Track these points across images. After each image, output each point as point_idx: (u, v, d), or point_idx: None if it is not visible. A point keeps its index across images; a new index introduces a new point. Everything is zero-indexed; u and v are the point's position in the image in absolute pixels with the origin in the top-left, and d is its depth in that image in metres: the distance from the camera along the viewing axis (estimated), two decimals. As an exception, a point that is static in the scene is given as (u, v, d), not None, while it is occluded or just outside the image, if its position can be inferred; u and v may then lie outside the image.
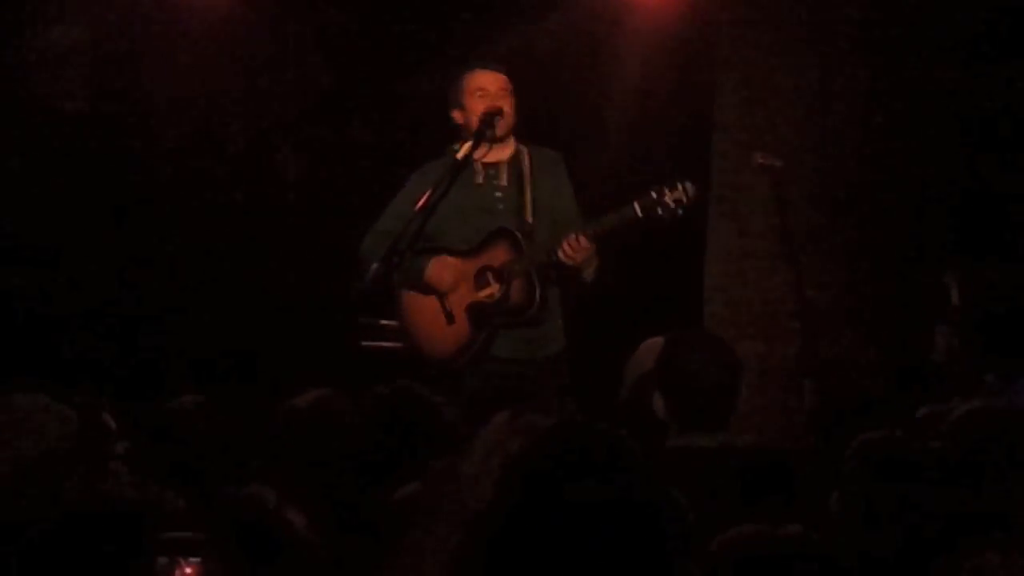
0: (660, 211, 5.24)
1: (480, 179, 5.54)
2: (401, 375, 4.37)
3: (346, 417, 3.79)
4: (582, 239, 5.27)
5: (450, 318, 5.46)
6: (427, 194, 5.32)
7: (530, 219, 5.48)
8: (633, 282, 6.93)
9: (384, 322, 5.46)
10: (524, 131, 5.64)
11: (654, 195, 5.25)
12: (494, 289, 5.44)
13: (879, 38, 7.06)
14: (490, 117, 5.45)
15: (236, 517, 3.02)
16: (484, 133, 5.45)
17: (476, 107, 5.48)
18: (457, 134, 5.56)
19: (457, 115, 5.56)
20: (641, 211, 5.24)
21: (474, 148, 5.45)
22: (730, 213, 7.17)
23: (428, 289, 5.47)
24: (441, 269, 5.46)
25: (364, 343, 5.39)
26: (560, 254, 5.30)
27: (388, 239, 5.40)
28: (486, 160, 5.55)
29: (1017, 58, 6.85)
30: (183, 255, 7.17)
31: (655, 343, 4.07)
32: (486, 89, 5.49)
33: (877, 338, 6.99)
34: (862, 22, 7.06)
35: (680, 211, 5.26)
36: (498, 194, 5.54)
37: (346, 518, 3.31)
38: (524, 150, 5.60)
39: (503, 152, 5.58)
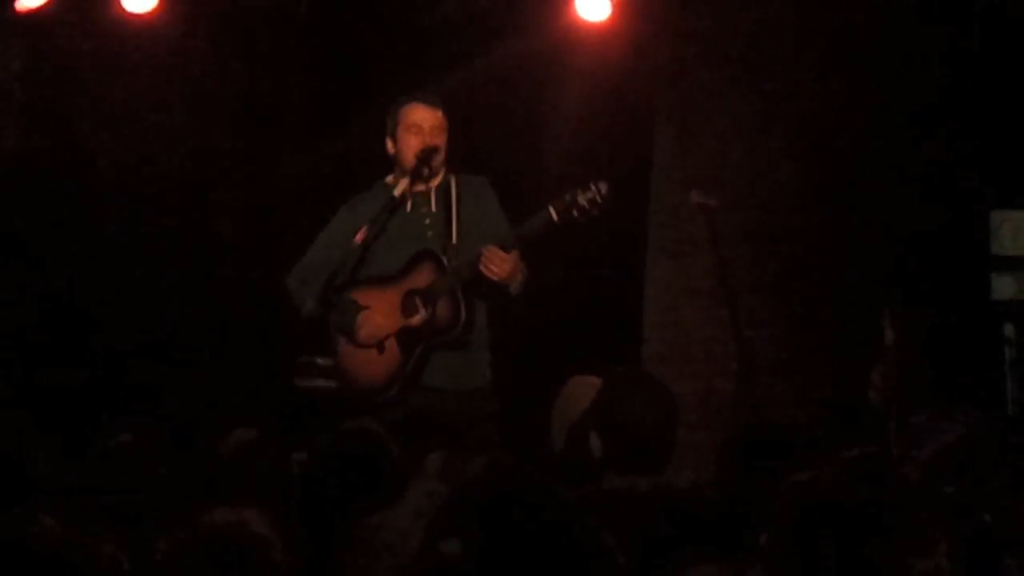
0: (576, 213, 5.28)
1: (408, 208, 5.55)
2: (327, 412, 4.37)
3: (277, 456, 3.76)
4: (500, 253, 5.30)
5: (380, 347, 5.46)
6: (364, 229, 5.33)
7: (455, 240, 5.49)
8: (570, 319, 6.95)
9: (320, 360, 5.45)
10: (457, 163, 5.67)
11: (567, 198, 5.29)
12: (422, 314, 5.44)
13: (817, 78, 7.12)
14: (427, 155, 5.49)
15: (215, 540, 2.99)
16: (421, 172, 5.48)
17: (410, 143, 5.52)
18: (390, 166, 5.58)
19: (390, 146, 5.60)
20: (557, 215, 5.27)
21: (411, 186, 5.47)
22: (668, 251, 7.19)
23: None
24: (372, 327, 5.45)
25: (299, 383, 5.37)
26: (482, 267, 5.30)
27: (316, 272, 5.42)
28: (414, 189, 5.57)
29: (954, 103, 6.93)
30: (116, 290, 7.11)
31: (585, 381, 4.07)
32: (420, 126, 5.53)
33: (813, 377, 7.02)
34: (803, 63, 7.11)
35: (595, 211, 5.29)
36: (427, 221, 5.58)
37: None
38: (452, 178, 5.65)
39: (432, 181, 5.61)
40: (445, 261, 5.45)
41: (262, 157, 7.41)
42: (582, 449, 3.77)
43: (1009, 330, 6.91)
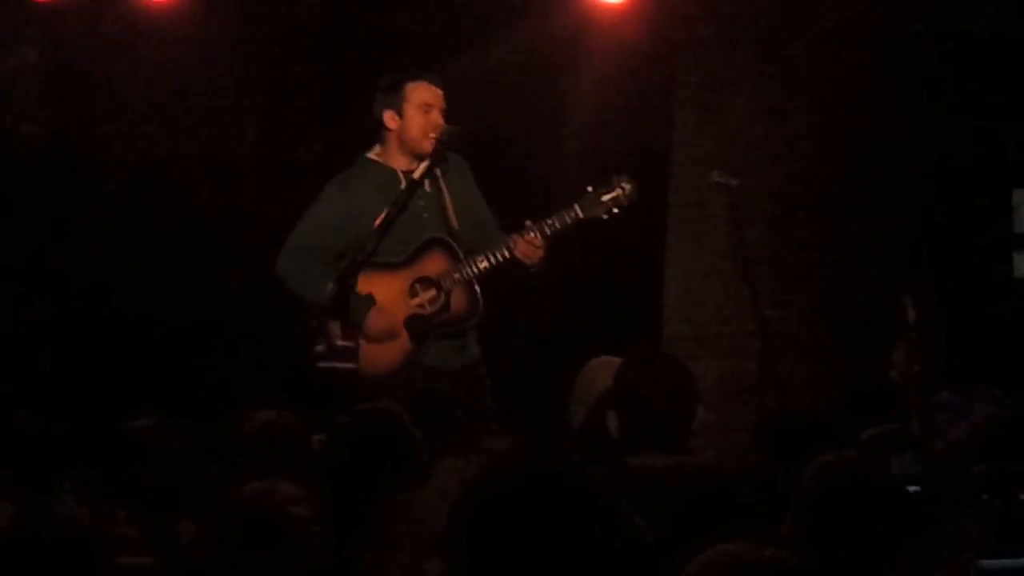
0: (600, 210, 5.39)
1: (403, 187, 5.51)
2: (346, 392, 4.38)
3: (298, 437, 3.77)
4: (538, 237, 5.36)
5: (391, 335, 5.45)
6: (384, 213, 5.33)
7: (456, 225, 5.49)
8: (591, 301, 6.94)
9: (342, 343, 5.44)
10: (477, 147, 5.67)
11: (592, 195, 5.38)
12: (424, 298, 5.43)
13: (837, 57, 7.10)
14: (448, 138, 5.46)
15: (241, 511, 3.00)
16: (442, 155, 5.46)
17: (420, 121, 5.47)
18: (377, 138, 5.54)
19: (390, 119, 5.52)
20: (582, 212, 5.37)
21: (431, 168, 5.46)
22: (689, 232, 7.18)
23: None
24: (382, 324, 5.44)
25: (317, 364, 5.37)
26: (518, 252, 5.36)
27: (312, 255, 5.41)
28: (405, 169, 5.54)
29: (975, 81, 6.90)
30: (139, 276, 7.13)
31: (607, 362, 4.07)
32: (432, 105, 5.49)
33: (834, 356, 7.01)
34: (821, 40, 7.08)
35: (619, 208, 5.41)
36: (421, 202, 5.53)
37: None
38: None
39: (422, 160, 5.57)
40: (457, 249, 5.44)
41: (283, 143, 7.42)
42: (600, 428, 3.77)
43: (1032, 308, 6.89)
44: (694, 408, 3.70)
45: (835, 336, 7.04)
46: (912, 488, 3.66)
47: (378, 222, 5.32)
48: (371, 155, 5.57)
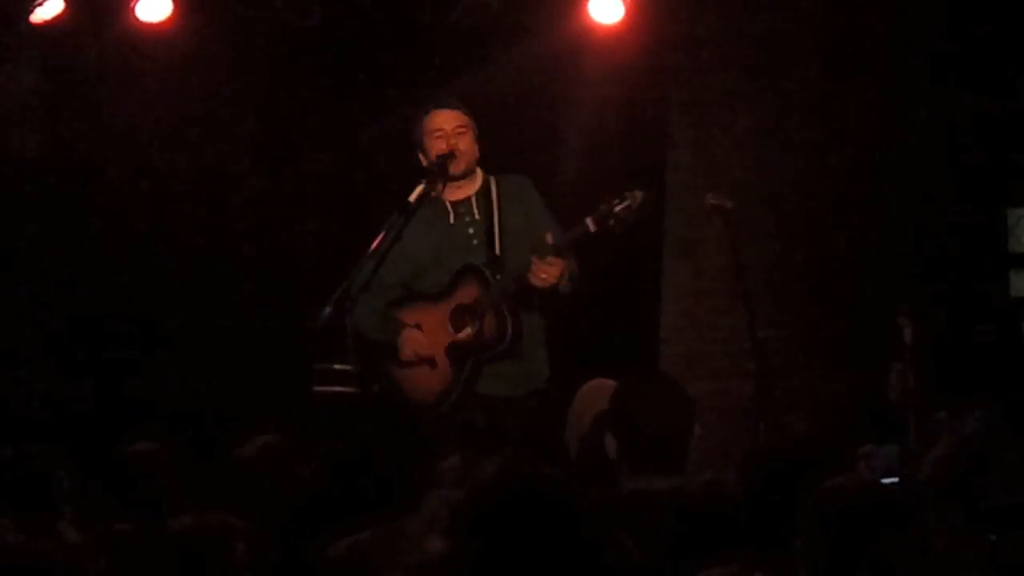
0: (612, 223, 5.29)
1: (452, 219, 5.54)
2: (345, 418, 4.37)
3: (294, 463, 3.77)
4: (548, 260, 5.30)
5: (432, 363, 5.47)
6: (380, 237, 5.33)
7: (497, 251, 5.49)
8: (588, 322, 6.94)
9: (338, 366, 5.45)
10: (489, 162, 5.66)
11: (603, 208, 5.30)
12: (468, 330, 5.45)
13: (834, 78, 7.11)
14: (442, 160, 5.47)
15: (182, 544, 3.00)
16: (438, 179, 5.47)
17: (434, 148, 5.50)
18: (423, 175, 5.56)
19: (421, 158, 5.59)
20: (594, 225, 5.29)
21: (425, 192, 5.46)
22: (685, 253, 7.19)
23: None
24: (414, 345, 5.46)
25: (317, 388, 5.36)
26: (532, 280, 5.31)
27: (376, 295, 5.43)
28: (454, 199, 5.56)
29: (971, 100, 6.92)
30: (133, 298, 7.13)
31: (602, 385, 4.07)
32: (443, 129, 5.51)
33: (831, 377, 7.02)
34: (817, 64, 7.11)
35: (631, 219, 5.31)
36: (471, 230, 5.55)
37: (289, 565, 3.28)
38: (492, 180, 5.62)
39: (470, 187, 5.59)
40: (488, 275, 5.44)
41: (278, 164, 7.43)
42: (598, 451, 3.77)
43: (1028, 327, 6.89)
44: (692, 431, 3.70)
45: (831, 357, 7.05)
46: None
47: (373, 247, 5.32)
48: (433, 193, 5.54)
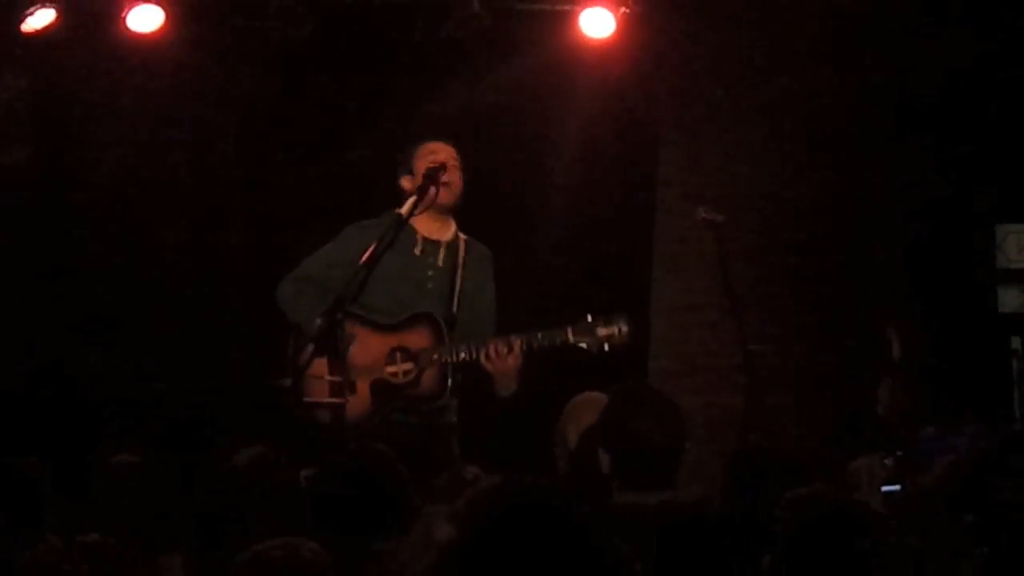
0: (588, 343, 5.24)
1: (418, 251, 5.55)
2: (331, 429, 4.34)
3: (285, 474, 3.76)
4: (514, 347, 5.25)
5: (352, 388, 5.40)
6: (372, 248, 5.31)
7: (455, 310, 5.49)
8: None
9: (328, 377, 5.43)
10: (482, 176, 5.65)
11: (587, 325, 5.26)
12: (399, 369, 5.42)
13: (823, 94, 7.13)
14: (433, 172, 5.47)
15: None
16: (427, 188, 5.45)
17: (427, 163, 5.50)
18: (401, 201, 5.54)
19: (406, 181, 5.58)
20: (572, 337, 5.25)
21: (418, 203, 5.44)
22: (675, 267, 7.20)
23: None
24: (363, 355, 5.44)
25: (306, 399, 5.34)
26: (483, 356, 5.28)
27: (314, 287, 5.42)
28: (427, 235, 5.57)
29: (959, 117, 6.95)
30: (122, 305, 7.11)
31: (593, 398, 4.06)
32: (436, 151, 5.53)
33: (820, 391, 7.02)
34: (806, 80, 7.12)
35: (606, 347, 5.24)
36: (430, 272, 5.56)
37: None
38: (462, 238, 5.63)
39: (444, 232, 5.60)
40: (444, 331, 5.42)
41: (268, 174, 7.42)
42: (589, 465, 3.76)
43: (1016, 342, 6.91)
44: (683, 446, 3.69)
45: (820, 371, 7.05)
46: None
47: (364, 258, 5.30)
48: (399, 210, 5.50)
